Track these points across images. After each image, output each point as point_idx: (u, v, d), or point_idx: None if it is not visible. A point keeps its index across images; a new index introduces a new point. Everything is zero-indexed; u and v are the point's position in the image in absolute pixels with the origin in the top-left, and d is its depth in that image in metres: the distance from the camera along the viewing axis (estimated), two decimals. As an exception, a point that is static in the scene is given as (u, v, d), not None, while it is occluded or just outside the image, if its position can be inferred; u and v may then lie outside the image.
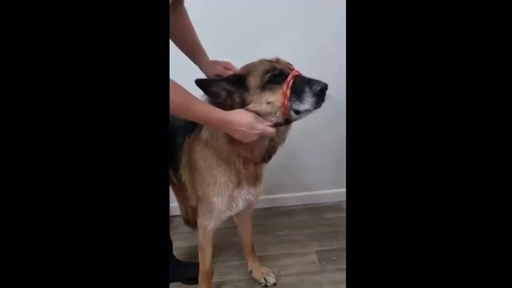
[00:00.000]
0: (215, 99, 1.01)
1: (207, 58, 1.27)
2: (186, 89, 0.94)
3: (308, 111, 0.97)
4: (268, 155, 1.12)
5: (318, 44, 1.72)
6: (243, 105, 0.99)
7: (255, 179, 1.18)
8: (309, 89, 0.93)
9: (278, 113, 0.99)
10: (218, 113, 0.96)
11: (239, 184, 1.15)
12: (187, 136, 1.21)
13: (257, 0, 1.66)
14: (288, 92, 0.95)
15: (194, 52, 1.24)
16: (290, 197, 2.01)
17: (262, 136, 1.00)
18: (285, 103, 0.95)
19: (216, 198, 1.15)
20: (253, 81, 0.99)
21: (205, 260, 1.30)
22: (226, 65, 1.23)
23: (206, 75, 1.23)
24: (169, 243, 1.49)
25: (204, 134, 1.12)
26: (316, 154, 1.91)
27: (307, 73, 1.02)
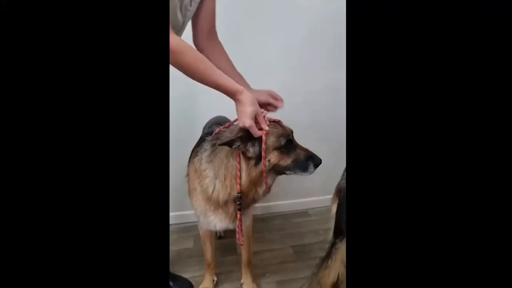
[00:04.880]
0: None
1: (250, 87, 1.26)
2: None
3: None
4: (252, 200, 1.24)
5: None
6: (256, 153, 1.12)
7: (230, 217, 1.27)
8: (312, 163, 1.15)
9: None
10: (233, 86, 1.05)
11: (215, 210, 1.26)
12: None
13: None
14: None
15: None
16: (263, 206, 2.25)
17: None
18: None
19: (196, 211, 1.32)
20: (271, 140, 1.12)
21: (205, 254, 1.52)
22: (272, 93, 1.26)
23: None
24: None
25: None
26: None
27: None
